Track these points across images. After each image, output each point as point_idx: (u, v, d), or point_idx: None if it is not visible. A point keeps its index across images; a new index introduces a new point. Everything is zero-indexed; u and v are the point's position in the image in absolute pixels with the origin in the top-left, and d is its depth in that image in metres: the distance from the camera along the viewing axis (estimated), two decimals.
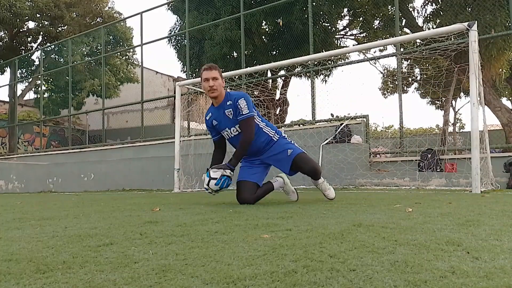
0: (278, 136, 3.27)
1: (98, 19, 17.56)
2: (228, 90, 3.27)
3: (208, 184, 3.05)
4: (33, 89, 18.04)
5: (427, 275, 0.98)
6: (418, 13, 10.45)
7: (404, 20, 10.29)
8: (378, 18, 12.03)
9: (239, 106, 3.04)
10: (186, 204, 3.38)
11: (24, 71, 17.80)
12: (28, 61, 17.44)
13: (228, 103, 3.11)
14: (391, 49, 11.07)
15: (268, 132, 3.21)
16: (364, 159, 6.44)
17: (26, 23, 17.60)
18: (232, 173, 3.06)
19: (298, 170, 3.18)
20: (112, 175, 9.58)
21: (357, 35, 13.68)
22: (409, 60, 10.10)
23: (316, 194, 4.48)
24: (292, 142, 3.31)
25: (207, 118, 3.28)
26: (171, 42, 12.97)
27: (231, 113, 3.10)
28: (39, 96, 16.45)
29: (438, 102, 18.88)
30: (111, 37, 15.91)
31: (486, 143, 4.66)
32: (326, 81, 12.42)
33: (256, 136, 3.12)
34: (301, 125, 8.34)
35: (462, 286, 0.89)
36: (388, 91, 18.36)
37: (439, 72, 6.78)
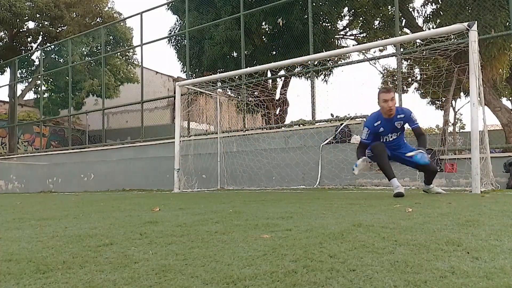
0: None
1: (98, 19, 17.54)
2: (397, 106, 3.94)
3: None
4: (33, 89, 18.02)
5: (427, 275, 0.98)
6: (418, 13, 10.44)
7: (404, 20, 10.29)
8: (378, 18, 12.03)
9: (412, 118, 3.88)
10: (186, 204, 3.38)
11: (24, 71, 17.79)
12: (28, 61, 17.42)
13: (399, 116, 3.85)
14: (391, 49, 11.07)
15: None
16: None
17: (26, 23, 17.58)
18: (424, 152, 3.75)
19: (422, 169, 4.04)
20: (112, 175, 9.58)
21: (357, 35, 13.68)
22: (409, 60, 10.09)
23: (316, 194, 4.48)
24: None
25: (375, 124, 3.93)
26: (171, 42, 12.96)
27: (400, 124, 3.88)
28: (39, 96, 16.44)
29: (438, 102, 18.87)
30: (111, 37, 15.89)
31: (486, 143, 4.66)
32: (326, 81, 12.42)
33: (397, 142, 3.98)
34: (301, 125, 8.34)
35: (462, 286, 0.89)
36: None
37: (439, 72, 6.78)
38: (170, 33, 13.17)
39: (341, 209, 2.54)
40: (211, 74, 8.54)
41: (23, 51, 18.07)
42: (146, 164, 9.10)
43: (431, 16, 9.89)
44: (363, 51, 11.63)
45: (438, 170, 4.06)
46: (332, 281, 0.95)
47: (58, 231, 1.93)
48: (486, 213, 2.16)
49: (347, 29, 13.33)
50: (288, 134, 7.55)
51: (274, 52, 11.92)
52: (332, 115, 7.65)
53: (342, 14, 12.04)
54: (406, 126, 4.02)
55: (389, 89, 3.95)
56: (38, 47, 17.88)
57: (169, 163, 7.48)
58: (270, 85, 11.76)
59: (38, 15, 16.98)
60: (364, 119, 6.93)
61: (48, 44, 17.33)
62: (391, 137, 3.98)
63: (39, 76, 15.45)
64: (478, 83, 4.33)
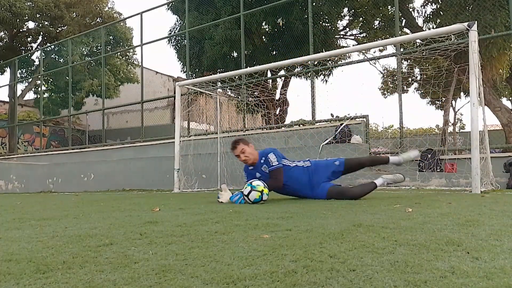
0: (310, 163, 3.71)
1: (98, 19, 17.54)
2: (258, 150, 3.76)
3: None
4: (33, 89, 18.03)
5: (427, 275, 0.98)
6: (418, 13, 10.45)
7: (404, 20, 10.29)
8: (378, 18, 12.03)
9: (269, 160, 3.59)
10: (186, 204, 3.38)
11: (24, 71, 17.79)
12: (28, 61, 17.42)
13: (261, 161, 3.64)
14: (391, 49, 11.07)
15: (298, 165, 3.69)
16: None
17: (26, 23, 17.59)
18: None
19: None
20: (112, 175, 9.58)
21: (357, 35, 13.68)
22: (409, 60, 10.09)
23: None
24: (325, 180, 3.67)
25: (250, 168, 3.72)
26: (171, 42, 12.96)
27: (266, 168, 3.61)
28: (39, 96, 16.44)
29: (438, 102, 18.88)
30: (111, 37, 15.89)
31: (486, 143, 4.66)
32: (326, 81, 12.43)
33: (292, 172, 3.61)
34: (301, 125, 8.34)
35: (462, 286, 0.89)
36: (388, 91, 18.36)
37: (439, 72, 6.78)
38: (170, 33, 13.17)
39: (341, 209, 2.54)
40: (211, 74, 8.54)
41: (23, 51, 18.07)
42: (146, 164, 9.10)
43: (431, 16, 9.90)
44: (363, 51, 11.62)
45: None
46: (332, 281, 0.95)
47: (58, 231, 1.93)
48: (486, 213, 2.16)
49: (347, 29, 13.34)
50: (288, 134, 7.55)
51: (274, 52, 11.92)
52: (332, 115, 7.65)
53: (342, 14, 12.05)
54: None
55: (234, 144, 3.65)
56: (38, 47, 17.89)
57: (169, 163, 7.48)
58: (270, 85, 11.77)
59: (38, 15, 16.99)
60: (364, 119, 6.94)
61: (48, 44, 17.34)
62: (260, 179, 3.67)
63: (39, 76, 15.45)
64: (478, 83, 4.33)
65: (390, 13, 11.14)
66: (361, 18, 12.36)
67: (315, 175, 3.60)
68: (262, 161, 3.63)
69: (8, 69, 17.82)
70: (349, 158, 3.84)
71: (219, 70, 11.80)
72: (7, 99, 18.29)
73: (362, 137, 6.66)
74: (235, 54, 11.75)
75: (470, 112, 4.25)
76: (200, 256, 1.26)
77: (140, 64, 11.91)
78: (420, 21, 10.25)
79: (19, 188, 11.89)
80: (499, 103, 9.31)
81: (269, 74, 10.11)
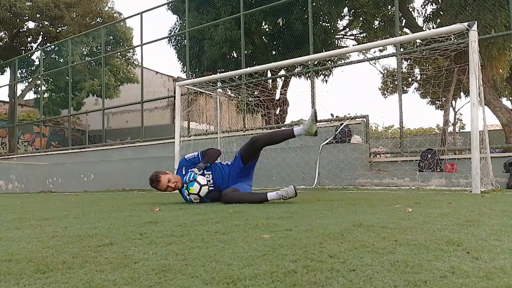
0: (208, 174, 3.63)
1: (98, 19, 17.55)
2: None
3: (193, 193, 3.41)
4: (33, 89, 18.04)
5: (427, 275, 0.98)
6: (418, 13, 10.46)
7: (404, 20, 10.29)
8: (378, 18, 12.03)
9: (187, 160, 3.76)
10: (186, 204, 3.38)
11: (24, 71, 17.79)
12: (28, 61, 17.43)
13: (183, 171, 3.66)
14: (391, 49, 11.09)
15: (193, 171, 3.53)
16: (364, 159, 6.44)
17: (26, 23, 17.59)
18: (197, 170, 3.48)
19: (245, 154, 3.55)
20: (112, 175, 9.58)
21: (357, 35, 13.68)
22: (409, 60, 10.10)
23: (316, 194, 4.49)
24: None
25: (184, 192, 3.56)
26: (171, 42, 12.97)
27: (200, 168, 3.51)
28: (39, 96, 16.45)
29: (438, 102, 18.89)
30: (111, 37, 15.90)
31: (486, 143, 4.66)
32: (326, 81, 12.43)
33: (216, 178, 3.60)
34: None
35: (462, 286, 0.89)
36: (388, 91, 18.37)
37: (439, 72, 6.78)
38: (170, 33, 13.17)
39: (341, 209, 2.54)
40: (211, 74, 8.54)
41: (23, 51, 18.07)
42: (146, 164, 9.09)
43: (431, 16, 9.90)
44: (363, 51, 11.62)
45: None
46: (332, 281, 0.95)
47: (58, 231, 1.93)
48: (486, 213, 2.16)
49: (347, 29, 13.34)
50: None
51: (274, 52, 11.92)
52: (332, 115, 7.65)
53: (342, 14, 12.04)
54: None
55: (157, 178, 3.50)
56: (38, 47, 17.89)
57: (169, 163, 7.47)
58: (270, 85, 11.77)
59: (38, 15, 16.99)
60: (364, 119, 6.94)
61: (48, 44, 17.34)
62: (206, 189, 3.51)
63: (39, 76, 15.45)
64: (478, 83, 4.33)
65: (390, 13, 11.14)
66: (361, 18, 12.36)
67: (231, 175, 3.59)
68: (184, 171, 3.64)
69: (8, 69, 17.83)
70: (243, 146, 3.59)
71: (219, 70, 11.80)
72: (7, 99, 18.30)
73: (362, 137, 6.66)
74: (235, 54, 11.75)
75: (470, 112, 4.25)
76: (200, 256, 1.26)
77: (140, 64, 11.91)
78: (420, 21, 10.25)
79: (19, 188, 11.89)
80: (499, 103, 9.31)
81: (269, 74, 10.12)
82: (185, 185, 3.43)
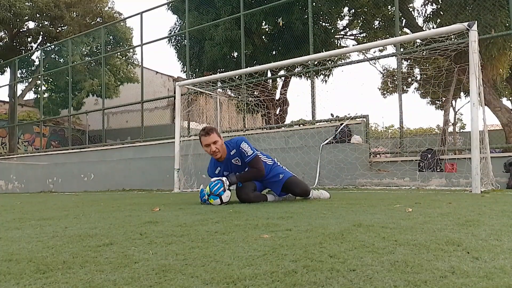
0: (272, 162, 3.50)
1: (98, 19, 17.55)
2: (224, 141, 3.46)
3: (208, 199, 3.24)
4: (33, 89, 18.03)
5: (427, 275, 0.98)
6: (418, 13, 10.47)
7: (404, 20, 10.29)
8: (378, 18, 12.04)
9: (243, 150, 3.30)
10: (186, 204, 3.38)
11: (24, 71, 17.80)
12: (28, 61, 17.43)
13: (232, 153, 3.35)
14: (391, 49, 11.08)
15: (266, 161, 3.45)
16: (364, 159, 6.44)
17: (26, 23, 17.58)
18: (228, 183, 3.23)
19: (289, 192, 3.42)
20: (112, 175, 9.58)
21: (357, 35, 13.69)
22: (409, 60, 10.10)
23: None
24: (283, 168, 3.54)
25: (216, 172, 3.46)
26: (171, 42, 12.97)
27: (238, 160, 3.35)
28: (39, 96, 16.45)
29: (438, 102, 18.89)
30: (111, 37, 15.90)
31: (486, 143, 4.66)
32: (326, 81, 12.44)
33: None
34: (301, 125, 8.34)
35: (462, 286, 0.89)
36: (388, 91, 18.37)
37: (439, 72, 6.78)
38: (170, 33, 13.18)
39: (341, 209, 2.54)
40: (211, 74, 8.54)
41: (23, 51, 18.07)
42: (146, 164, 9.10)
43: (431, 16, 9.91)
44: (363, 51, 11.63)
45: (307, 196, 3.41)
46: (332, 281, 0.95)
47: (58, 231, 1.93)
48: (486, 213, 2.16)
49: (347, 29, 13.34)
50: (288, 134, 7.55)
51: (274, 52, 11.92)
52: (332, 115, 7.66)
53: (342, 14, 12.05)
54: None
55: (208, 131, 3.31)
56: (38, 47, 17.88)
57: (169, 163, 7.48)
58: (270, 85, 11.77)
59: (38, 15, 16.98)
60: (364, 119, 6.94)
61: (48, 44, 17.34)
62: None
63: (39, 76, 15.46)
64: (478, 83, 4.33)
65: (390, 13, 11.14)
66: (361, 18, 12.37)
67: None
68: (232, 153, 3.33)
69: (8, 69, 17.83)
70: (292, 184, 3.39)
71: (219, 70, 11.80)
72: (7, 99, 18.30)
73: (362, 137, 6.67)
74: (235, 54, 11.75)
75: (470, 112, 4.26)
76: (200, 256, 1.26)
77: (140, 64, 11.92)
78: (420, 21, 10.26)
79: (19, 188, 11.89)
80: (499, 103, 9.31)
81: (269, 74, 10.12)
82: (207, 190, 3.23)
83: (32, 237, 1.77)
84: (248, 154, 3.28)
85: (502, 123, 9.14)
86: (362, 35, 13.40)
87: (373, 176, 6.17)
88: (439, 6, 9.78)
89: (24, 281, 1.03)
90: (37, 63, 17.10)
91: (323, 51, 9.38)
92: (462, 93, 13.98)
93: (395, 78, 9.19)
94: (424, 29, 9.83)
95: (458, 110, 23.11)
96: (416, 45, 7.54)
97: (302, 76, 11.41)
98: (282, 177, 3.36)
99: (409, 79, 15.08)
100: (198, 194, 3.61)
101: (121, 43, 16.48)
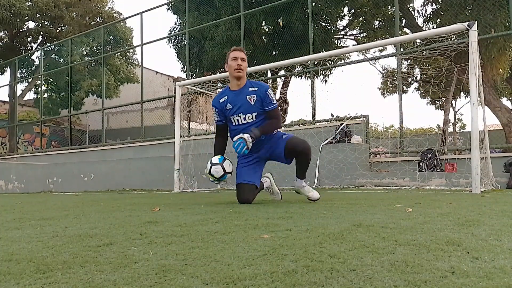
0: (277, 131, 3.33)
1: (98, 19, 17.56)
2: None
3: (210, 172, 3.16)
4: (33, 89, 18.04)
5: (427, 275, 0.98)
6: (418, 13, 10.47)
7: (404, 20, 10.30)
8: (378, 18, 12.04)
9: (269, 96, 3.15)
10: (186, 204, 3.38)
11: (24, 71, 17.80)
12: (28, 61, 17.43)
13: (251, 89, 3.17)
14: (391, 49, 11.09)
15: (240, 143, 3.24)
16: (364, 159, 6.44)
17: (26, 23, 17.59)
18: (250, 140, 3.04)
19: (292, 150, 3.17)
20: (112, 175, 9.58)
21: (357, 35, 13.69)
22: (409, 60, 10.10)
23: None
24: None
25: (220, 100, 3.24)
26: (171, 42, 12.97)
27: (253, 99, 3.15)
28: (39, 96, 16.45)
29: (438, 102, 18.89)
30: (111, 37, 15.90)
31: (486, 143, 4.66)
32: (326, 81, 12.44)
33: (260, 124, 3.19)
34: (301, 125, 8.34)
35: (462, 286, 0.89)
36: (388, 91, 18.38)
37: (439, 72, 6.78)
38: (170, 33, 13.17)
39: (341, 209, 2.54)
40: (211, 74, 8.54)
41: (23, 51, 18.07)
42: (146, 164, 9.10)
43: (431, 16, 9.91)
44: (363, 51, 11.63)
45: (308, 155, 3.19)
46: (332, 281, 0.95)
47: (58, 231, 1.93)
48: (486, 213, 2.16)
49: (347, 29, 13.35)
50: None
51: (274, 52, 11.92)
52: (332, 115, 7.65)
53: (342, 14, 12.05)
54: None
55: (241, 48, 3.29)
56: (38, 47, 17.89)
57: (169, 163, 7.48)
58: (270, 85, 11.76)
59: (38, 15, 16.99)
60: (364, 119, 6.94)
61: (48, 44, 17.35)
62: (245, 119, 3.18)
63: (39, 76, 15.45)
64: (478, 83, 4.33)
65: (390, 13, 11.14)
66: (361, 18, 12.37)
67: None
68: (251, 90, 3.16)
69: (8, 69, 17.83)
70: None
71: (219, 70, 11.79)
72: (7, 99, 18.31)
73: (362, 137, 6.66)
74: None
75: (470, 112, 4.26)
76: (200, 256, 1.26)
77: (140, 64, 11.92)
78: (420, 21, 10.26)
79: (19, 188, 11.89)
80: (499, 103, 9.32)
81: (269, 74, 10.11)
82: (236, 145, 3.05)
83: (32, 237, 1.77)
84: (273, 102, 3.16)
85: (502, 123, 9.14)
86: (362, 35, 13.41)
87: (373, 176, 6.17)
88: (439, 6, 9.78)
89: (24, 281, 1.03)
90: (37, 63, 17.10)
91: (323, 51, 9.38)
92: (462, 93, 14.00)
93: (395, 78, 9.20)
94: (424, 29, 9.83)
95: (458, 110, 23.15)
96: (416, 45, 7.54)
97: (302, 76, 11.41)
98: (285, 137, 3.24)
99: (409, 79, 15.09)
100: (198, 194, 3.60)
101: (121, 43, 16.48)
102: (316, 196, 3.29)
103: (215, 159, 3.22)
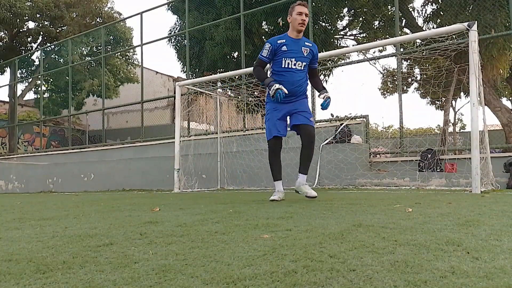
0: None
1: (98, 19, 17.55)
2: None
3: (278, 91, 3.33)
4: (33, 89, 18.04)
5: (427, 275, 0.98)
6: (418, 13, 10.47)
7: (404, 20, 10.30)
8: (378, 18, 12.03)
9: (317, 56, 3.59)
10: (186, 204, 3.38)
11: (24, 71, 17.80)
12: (28, 61, 17.43)
13: (307, 43, 3.55)
14: (391, 49, 11.08)
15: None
16: (364, 159, 6.44)
17: (26, 23, 17.59)
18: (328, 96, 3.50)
19: (305, 135, 3.48)
20: (112, 175, 9.58)
21: (357, 35, 13.69)
22: (409, 60, 10.10)
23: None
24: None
25: (278, 41, 3.49)
26: (171, 42, 12.96)
27: (307, 52, 3.51)
28: (39, 96, 16.45)
29: (438, 102, 18.89)
30: (111, 37, 15.90)
31: (486, 143, 4.66)
32: (326, 81, 12.42)
33: (302, 81, 3.54)
34: None
35: (462, 286, 0.89)
36: (388, 91, 18.38)
37: (439, 72, 6.78)
38: (170, 33, 13.17)
39: (341, 209, 2.54)
40: (211, 74, 8.54)
41: (23, 51, 18.07)
42: (146, 164, 9.10)
43: (431, 16, 9.90)
44: (363, 51, 11.62)
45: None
46: (332, 281, 0.95)
47: (58, 231, 1.93)
48: (486, 213, 2.16)
49: (347, 29, 13.34)
50: (288, 134, 7.53)
51: None
52: (332, 115, 7.64)
53: (342, 14, 12.04)
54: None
55: (306, 4, 3.56)
56: (38, 47, 17.88)
57: (169, 163, 7.48)
58: None
59: (38, 15, 16.99)
60: (364, 119, 6.94)
61: (48, 44, 17.34)
62: (295, 65, 3.47)
63: (39, 76, 15.45)
64: (478, 83, 4.33)
65: (390, 13, 11.14)
66: (361, 18, 12.36)
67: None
68: (307, 44, 3.54)
69: (8, 69, 17.83)
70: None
71: (219, 70, 11.80)
72: (7, 99, 18.30)
73: (362, 137, 6.66)
74: (235, 54, 11.74)
75: (470, 112, 4.26)
76: (200, 256, 1.26)
77: (140, 64, 11.91)
78: (420, 21, 10.26)
79: (19, 188, 11.89)
80: (499, 103, 9.31)
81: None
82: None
83: (32, 237, 1.77)
84: (317, 62, 3.60)
85: (502, 123, 9.14)
86: (362, 35, 13.40)
87: (373, 176, 6.17)
88: (439, 6, 9.78)
89: (24, 281, 1.03)
90: (37, 63, 17.10)
91: (323, 51, 9.37)
92: (462, 93, 13.99)
93: (395, 78, 9.21)
94: (424, 29, 9.83)
95: (458, 110, 23.13)
96: (416, 45, 7.54)
97: None
98: (311, 118, 3.55)
99: (409, 79, 15.08)
100: (198, 194, 3.61)
101: (121, 43, 16.48)
102: (314, 194, 3.39)
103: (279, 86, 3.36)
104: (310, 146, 3.45)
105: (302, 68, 3.48)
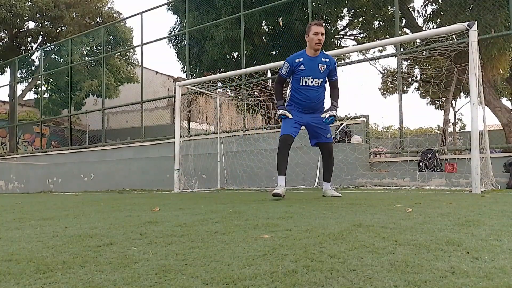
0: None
1: (98, 19, 17.54)
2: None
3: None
4: (33, 89, 18.03)
5: (427, 275, 0.98)
6: (418, 13, 10.47)
7: (404, 20, 10.29)
8: (378, 18, 12.03)
9: (336, 69, 3.76)
10: (186, 204, 3.38)
11: (24, 71, 17.79)
12: (28, 61, 17.42)
13: (323, 59, 3.71)
14: (391, 49, 11.08)
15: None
16: (364, 159, 6.44)
17: (26, 23, 17.58)
18: (335, 112, 3.72)
19: (325, 150, 3.94)
20: (112, 175, 9.58)
21: (357, 35, 13.69)
22: (409, 60, 10.10)
23: (315, 194, 4.48)
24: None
25: (296, 60, 3.72)
26: (171, 42, 12.96)
27: (323, 68, 3.69)
28: (39, 96, 16.44)
29: (438, 102, 18.89)
30: (111, 37, 15.89)
31: (486, 143, 4.66)
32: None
33: (320, 96, 3.78)
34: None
35: (462, 286, 0.89)
36: (388, 91, 18.37)
37: (439, 72, 6.78)
38: (170, 33, 13.17)
39: (341, 209, 2.53)
40: (211, 74, 8.53)
41: (23, 51, 18.06)
42: (146, 164, 9.10)
43: (431, 16, 9.90)
44: (363, 51, 11.62)
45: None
46: (332, 281, 0.95)
47: (58, 231, 1.93)
48: (486, 213, 2.16)
49: (347, 29, 13.34)
50: None
51: (274, 52, 11.91)
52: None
53: (342, 14, 12.04)
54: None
55: (322, 23, 3.80)
56: (38, 47, 17.88)
57: (169, 163, 7.47)
58: (270, 85, 11.76)
59: (38, 15, 16.98)
60: (364, 119, 6.94)
61: (48, 44, 17.33)
62: (312, 82, 3.70)
63: (39, 76, 15.45)
64: (478, 83, 4.33)
65: (390, 13, 11.14)
66: (361, 18, 12.36)
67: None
68: (323, 60, 3.69)
69: (8, 69, 17.82)
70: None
71: (219, 70, 11.80)
72: (7, 99, 18.29)
73: (362, 137, 6.66)
74: (235, 54, 11.74)
75: (470, 112, 4.25)
76: (200, 256, 1.26)
77: (140, 64, 11.91)
78: (420, 21, 10.25)
79: (19, 188, 11.89)
80: (499, 103, 9.31)
81: (269, 74, 10.11)
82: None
83: (32, 237, 1.77)
84: (336, 75, 3.78)
85: (502, 123, 9.14)
86: (362, 35, 13.40)
87: (373, 176, 6.17)
88: (439, 6, 9.77)
89: (24, 281, 1.03)
90: (37, 63, 17.09)
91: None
92: (462, 93, 13.97)
93: (395, 78, 9.21)
94: (424, 29, 9.83)
95: (458, 110, 23.11)
96: (416, 45, 7.53)
97: None
98: (329, 135, 3.91)
99: (409, 79, 15.08)
100: (198, 194, 3.62)
101: (121, 43, 16.47)
102: (339, 194, 3.83)
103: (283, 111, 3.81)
104: (331, 157, 3.94)
105: (319, 85, 3.72)
